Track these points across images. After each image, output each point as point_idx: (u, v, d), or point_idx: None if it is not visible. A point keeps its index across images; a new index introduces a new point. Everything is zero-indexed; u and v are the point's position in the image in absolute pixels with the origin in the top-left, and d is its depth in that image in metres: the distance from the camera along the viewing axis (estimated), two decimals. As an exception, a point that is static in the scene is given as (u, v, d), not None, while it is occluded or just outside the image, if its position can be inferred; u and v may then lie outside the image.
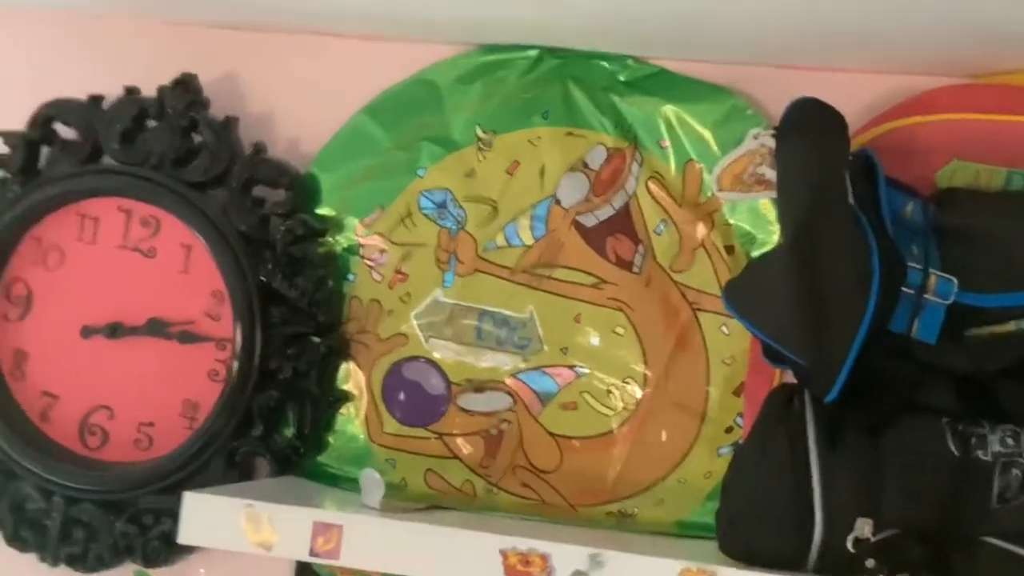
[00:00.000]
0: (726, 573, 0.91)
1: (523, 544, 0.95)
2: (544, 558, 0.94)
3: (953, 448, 0.94)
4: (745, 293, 1.00)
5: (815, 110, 1.01)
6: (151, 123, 1.29)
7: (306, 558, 1.00)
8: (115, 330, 1.28)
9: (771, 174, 1.09)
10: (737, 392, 1.20)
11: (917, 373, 0.99)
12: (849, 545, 0.91)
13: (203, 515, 1.02)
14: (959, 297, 0.99)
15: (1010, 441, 0.94)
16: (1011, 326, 0.99)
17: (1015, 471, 0.93)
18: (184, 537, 1.03)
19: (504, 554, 0.95)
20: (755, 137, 1.10)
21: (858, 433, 0.95)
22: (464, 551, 0.97)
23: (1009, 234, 1.02)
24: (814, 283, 0.94)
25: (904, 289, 0.98)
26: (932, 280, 0.99)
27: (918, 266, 0.99)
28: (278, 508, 1.00)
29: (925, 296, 0.99)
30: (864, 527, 0.91)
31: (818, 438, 0.95)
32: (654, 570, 0.93)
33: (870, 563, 0.91)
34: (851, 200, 0.99)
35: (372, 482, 1.07)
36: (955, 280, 0.99)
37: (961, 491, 0.93)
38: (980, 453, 0.94)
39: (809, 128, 0.99)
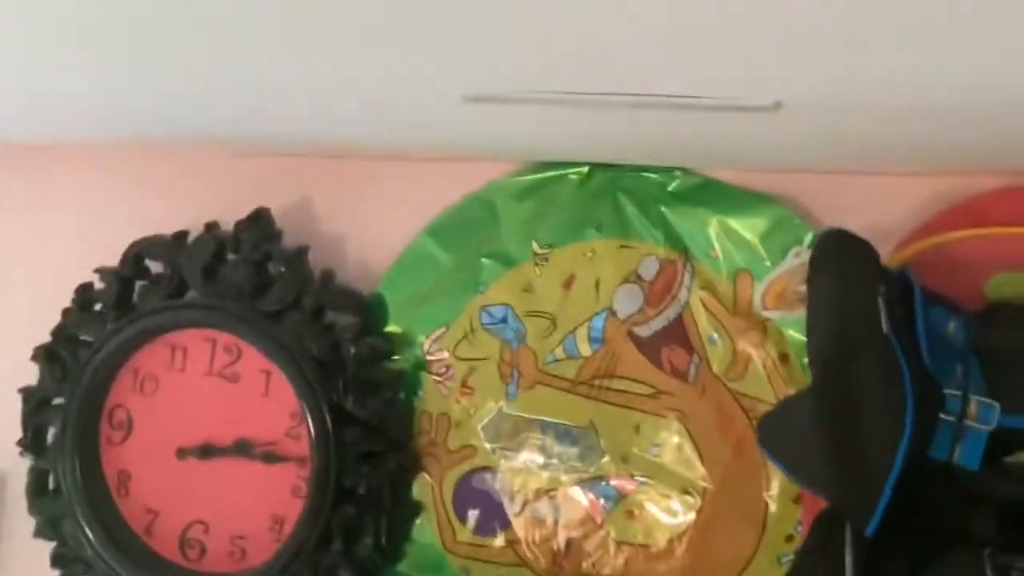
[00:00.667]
0: None
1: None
2: None
3: (992, 583, 0.93)
4: (777, 433, 1.02)
5: (842, 242, 1.01)
6: (230, 256, 1.37)
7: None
8: (206, 451, 1.37)
9: (813, 291, 1.10)
10: (796, 500, 1.21)
11: (960, 500, 0.98)
12: None
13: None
14: (1002, 421, 0.98)
15: (1051, 576, 0.93)
16: (1056, 451, 0.98)
17: (1056, 606, 0.92)
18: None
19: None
20: (796, 255, 1.12)
21: (898, 570, 0.95)
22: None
23: (1056, 352, 1.00)
24: (845, 420, 0.94)
25: (943, 416, 0.98)
26: (972, 406, 0.98)
27: (957, 392, 0.98)
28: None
29: (966, 422, 0.98)
30: (900, 670, 0.91)
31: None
32: None
33: None
34: (885, 327, 0.99)
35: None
36: (997, 405, 0.98)
37: (1003, 628, 0.92)
38: (1020, 587, 0.93)
39: (834, 264, 1.00)
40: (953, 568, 0.94)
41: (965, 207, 1.14)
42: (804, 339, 1.20)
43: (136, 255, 1.40)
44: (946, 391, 0.98)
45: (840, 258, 1.00)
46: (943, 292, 1.07)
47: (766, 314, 1.16)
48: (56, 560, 1.42)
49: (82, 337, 1.42)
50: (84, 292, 1.43)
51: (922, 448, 0.97)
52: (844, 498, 0.95)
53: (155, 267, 1.41)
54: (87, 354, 1.40)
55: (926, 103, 0.90)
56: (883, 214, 1.15)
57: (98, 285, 1.42)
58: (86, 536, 1.38)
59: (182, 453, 1.38)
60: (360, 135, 1.28)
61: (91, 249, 1.43)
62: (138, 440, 1.41)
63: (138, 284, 1.41)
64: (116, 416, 1.42)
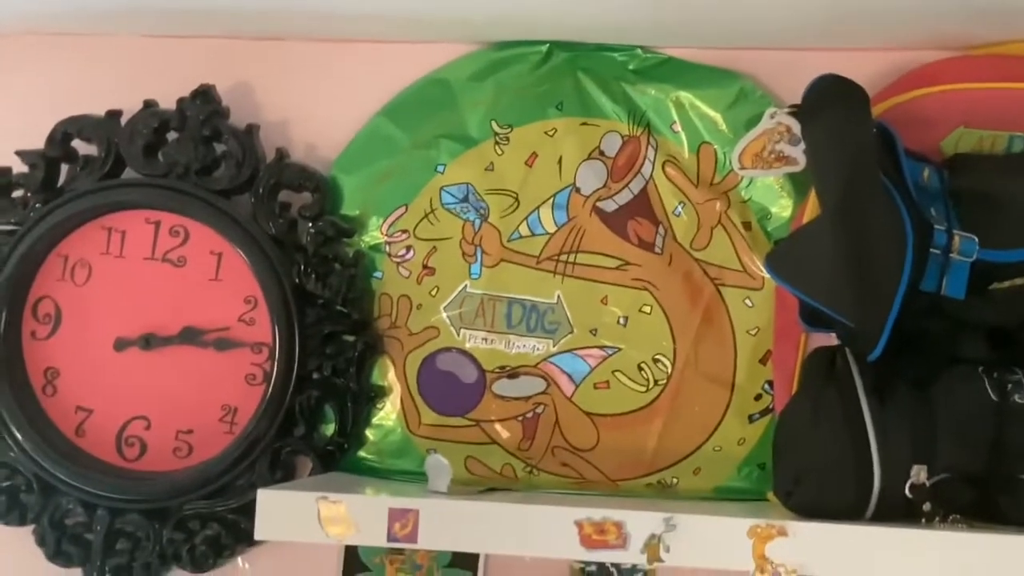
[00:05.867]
0: (794, 527, 0.96)
1: (597, 514, 0.99)
2: (619, 525, 0.98)
3: (992, 394, 1.01)
4: (789, 261, 1.06)
5: (839, 85, 1.06)
6: (172, 135, 1.30)
7: (384, 544, 1.02)
8: (149, 341, 1.29)
9: (790, 150, 1.14)
10: (763, 361, 1.26)
11: (950, 328, 1.05)
12: (907, 491, 0.97)
13: (278, 511, 1.04)
14: (981, 254, 1.05)
15: (1043, 385, 1.01)
16: (1033, 278, 1.06)
17: (1050, 413, 1.00)
18: (260, 533, 1.05)
19: (579, 524, 0.99)
20: (772, 116, 1.15)
21: (905, 386, 1.01)
22: (540, 525, 1.01)
23: (1020, 192, 1.09)
24: (856, 248, 0.99)
25: (932, 250, 1.04)
26: (956, 240, 1.05)
27: (942, 227, 1.05)
28: (353, 498, 1.03)
29: (951, 255, 1.05)
30: (920, 473, 0.97)
31: (868, 393, 1.01)
32: (725, 528, 0.98)
33: (927, 507, 0.97)
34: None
35: (439, 467, 1.10)
36: (976, 238, 1.06)
37: (1002, 434, 1.00)
38: (1017, 397, 1.01)
39: (836, 102, 1.05)
40: (957, 381, 1.01)
41: (919, 72, 1.21)
42: (765, 207, 1.27)
43: (64, 134, 1.31)
44: (934, 226, 1.05)
45: (840, 101, 1.05)
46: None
47: (743, 173, 1.19)
48: (-25, 466, 1.30)
49: (0, 226, 1.31)
50: (2, 176, 1.32)
51: (917, 280, 1.03)
52: (859, 319, 1.00)
53: (83, 149, 1.32)
54: (8, 243, 1.29)
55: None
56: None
57: (19, 169, 1.32)
58: (13, 439, 1.28)
59: (121, 344, 1.30)
60: (303, 10, 1.25)
61: (6, 137, 1.32)
62: (67, 333, 1.32)
63: (64, 167, 1.32)
64: (41, 308, 1.32)
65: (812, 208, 1.17)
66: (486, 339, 1.30)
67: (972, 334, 1.05)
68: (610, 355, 1.28)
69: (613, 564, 1.23)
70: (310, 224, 1.28)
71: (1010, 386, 1.01)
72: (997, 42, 1.20)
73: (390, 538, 1.01)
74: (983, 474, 1.00)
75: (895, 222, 1.01)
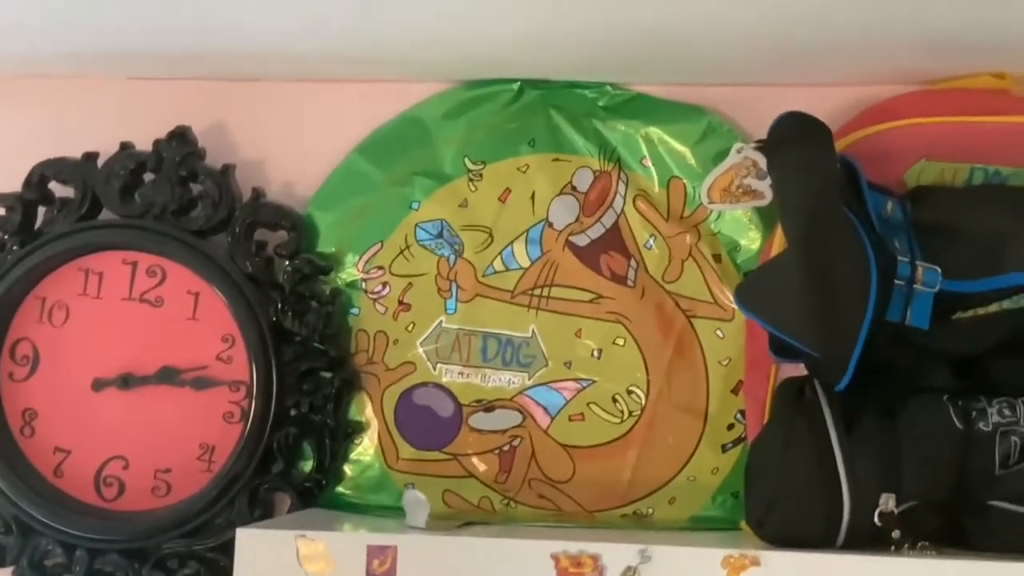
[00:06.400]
0: (766, 556, 0.97)
1: (573, 547, 1.00)
2: (595, 558, 1.00)
3: (957, 422, 1.03)
4: (756, 294, 1.08)
5: (803, 121, 1.09)
6: (149, 176, 1.31)
7: (362, 581, 1.03)
8: (127, 381, 1.30)
9: (757, 184, 1.17)
10: (735, 391, 1.27)
11: (915, 357, 1.08)
12: (876, 519, 0.99)
13: (257, 550, 1.05)
14: (944, 285, 1.08)
15: (1007, 412, 1.04)
16: (994, 307, 1.09)
17: (1014, 438, 1.02)
18: (240, 573, 1.05)
19: (556, 558, 1.00)
20: (739, 151, 1.18)
21: (871, 415, 1.03)
22: (516, 559, 1.02)
23: (980, 223, 1.12)
24: (821, 281, 1.02)
25: (896, 281, 1.07)
26: (919, 271, 1.08)
27: (905, 259, 1.08)
28: (331, 535, 1.04)
29: (914, 286, 1.08)
30: (888, 501, 0.99)
31: (836, 423, 1.03)
32: (699, 559, 0.99)
33: (896, 534, 0.99)
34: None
35: (416, 503, 1.11)
36: (939, 269, 1.08)
37: (968, 461, 1.02)
38: (981, 425, 1.03)
39: (800, 137, 1.07)
40: (923, 409, 1.03)
41: (881, 107, 1.24)
42: (735, 239, 1.29)
43: (41, 176, 1.32)
44: (897, 258, 1.08)
45: (804, 136, 1.08)
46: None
47: (711, 207, 1.22)
48: (-48, 509, 1.30)
49: (-23, 269, 1.32)
50: (-21, 220, 1.33)
51: (882, 311, 1.06)
52: (825, 350, 1.02)
53: (60, 191, 1.33)
54: (-15, 285, 1.30)
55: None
56: (806, 120, 1.23)
57: (-2, 212, 1.33)
58: (-10, 481, 1.28)
59: (99, 384, 1.31)
60: (278, 53, 1.27)
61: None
62: (45, 375, 1.32)
63: (42, 209, 1.33)
64: (19, 350, 1.32)
65: (780, 241, 1.19)
66: (462, 373, 1.32)
67: (937, 363, 1.08)
68: (585, 387, 1.30)
69: (590, 595, 1.24)
70: (287, 262, 1.30)
71: (974, 414, 1.03)
72: (956, 76, 1.23)
73: (369, 575, 1.02)
74: (950, 501, 1.02)
75: (858, 254, 1.04)
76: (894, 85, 1.27)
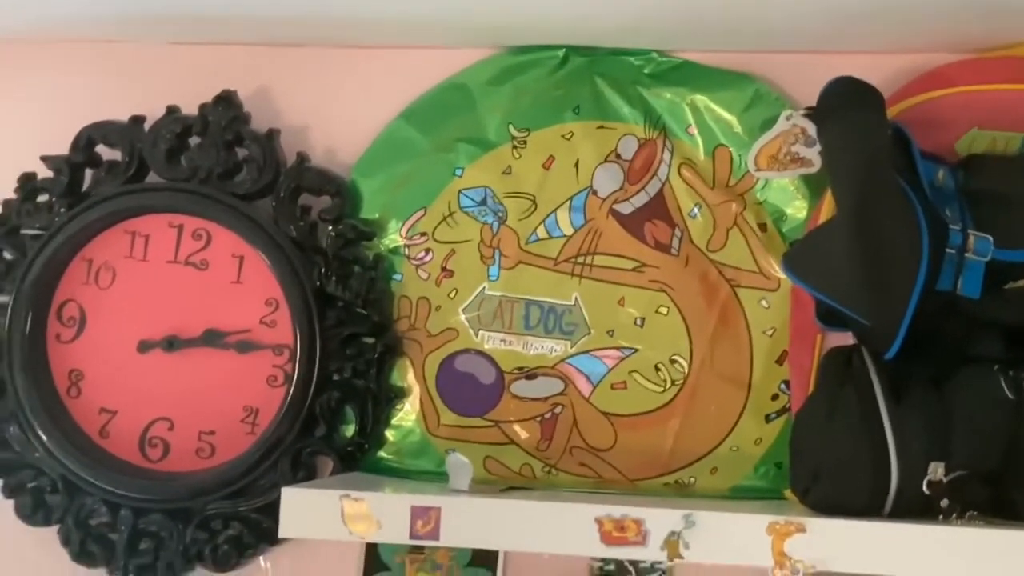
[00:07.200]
0: (812, 523, 0.97)
1: (617, 511, 1.00)
2: (638, 523, 0.99)
3: (1008, 392, 1.02)
4: (806, 261, 1.07)
5: (854, 87, 1.08)
6: (194, 140, 1.32)
7: (406, 541, 1.03)
8: (172, 343, 1.31)
9: (805, 152, 1.16)
10: (780, 361, 1.27)
11: (965, 327, 1.06)
12: (924, 487, 0.98)
13: (302, 509, 1.05)
14: (996, 254, 1.07)
15: (1059, 383, 1.02)
16: (1047, 277, 1.07)
17: (1065, 411, 1.01)
18: (285, 531, 1.06)
19: (600, 521, 1.00)
20: (788, 118, 1.16)
21: (920, 385, 1.02)
22: (560, 522, 1.02)
23: (1035, 193, 1.10)
24: (872, 249, 1.01)
25: (947, 250, 1.06)
26: (971, 240, 1.07)
27: (957, 227, 1.07)
28: (376, 496, 1.05)
29: (966, 255, 1.07)
30: (937, 470, 0.98)
31: (885, 392, 1.02)
32: (744, 525, 0.99)
33: (944, 503, 0.98)
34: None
35: (460, 466, 1.11)
36: (991, 238, 1.07)
37: (1018, 431, 1.01)
38: (1032, 395, 1.02)
39: (852, 104, 1.06)
40: (974, 379, 1.02)
41: (933, 75, 1.22)
42: (781, 208, 1.28)
43: (88, 139, 1.33)
44: (949, 227, 1.06)
45: (856, 102, 1.06)
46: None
47: (758, 175, 1.21)
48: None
49: (26, 230, 1.33)
50: (28, 181, 1.34)
51: (933, 279, 1.05)
52: (875, 317, 1.01)
53: (107, 154, 1.34)
54: (33, 247, 1.31)
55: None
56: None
57: (44, 174, 1.34)
58: (38, 440, 1.30)
59: (145, 346, 1.32)
60: (321, 17, 1.26)
61: (32, 142, 1.34)
62: (91, 336, 1.33)
63: (89, 172, 1.34)
64: (66, 311, 1.34)
65: (827, 209, 1.18)
66: (504, 340, 1.31)
67: (987, 333, 1.06)
68: (627, 356, 1.30)
69: (631, 562, 1.24)
70: (330, 227, 1.30)
71: (1025, 383, 1.02)
72: (1010, 44, 1.21)
73: (412, 535, 1.02)
74: (999, 471, 1.01)
75: (911, 222, 1.03)
76: (947, 53, 1.25)
